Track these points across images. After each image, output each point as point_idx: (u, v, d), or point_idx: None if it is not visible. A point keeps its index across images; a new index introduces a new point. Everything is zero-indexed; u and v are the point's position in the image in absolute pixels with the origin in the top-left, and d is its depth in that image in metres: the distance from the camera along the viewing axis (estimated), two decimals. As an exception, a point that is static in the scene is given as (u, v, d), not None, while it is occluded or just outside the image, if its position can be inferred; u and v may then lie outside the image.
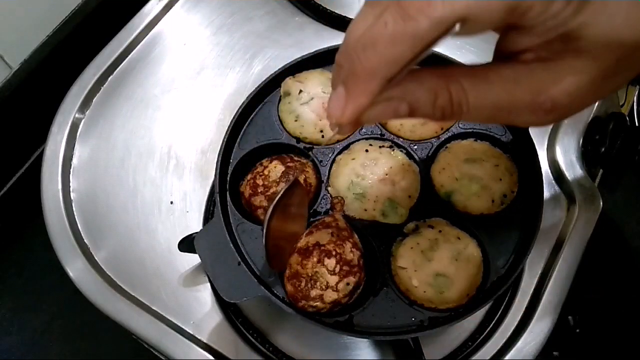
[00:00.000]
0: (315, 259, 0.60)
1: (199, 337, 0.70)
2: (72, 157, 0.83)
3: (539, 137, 0.79)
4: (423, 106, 0.35)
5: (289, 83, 0.69)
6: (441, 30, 0.30)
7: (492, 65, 0.35)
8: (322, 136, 0.67)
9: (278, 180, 0.63)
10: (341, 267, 0.59)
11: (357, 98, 0.34)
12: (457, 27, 0.30)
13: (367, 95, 0.34)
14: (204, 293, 0.73)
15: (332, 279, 0.59)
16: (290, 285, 0.60)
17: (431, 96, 0.35)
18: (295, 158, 0.66)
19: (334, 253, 0.60)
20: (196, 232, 0.67)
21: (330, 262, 0.59)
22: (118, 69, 0.88)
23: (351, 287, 0.59)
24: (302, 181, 0.64)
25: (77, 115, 0.85)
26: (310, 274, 0.59)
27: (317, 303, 0.58)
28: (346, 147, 0.67)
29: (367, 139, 0.68)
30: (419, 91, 0.35)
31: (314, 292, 0.59)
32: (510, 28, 0.33)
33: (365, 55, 0.32)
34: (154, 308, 0.72)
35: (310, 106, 0.67)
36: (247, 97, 0.68)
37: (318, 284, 0.59)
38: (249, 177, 0.66)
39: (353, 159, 0.65)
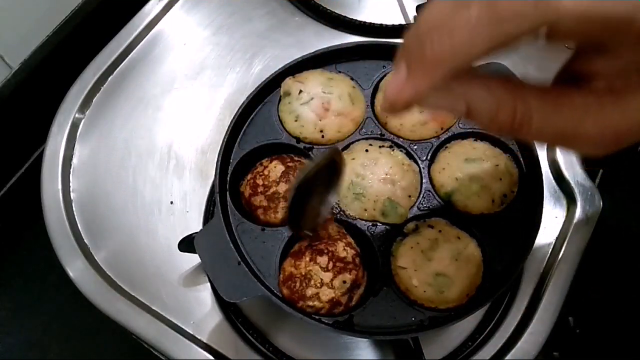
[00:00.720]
0: (307, 258, 0.60)
1: (199, 337, 0.70)
2: (72, 157, 0.83)
3: (539, 137, 0.79)
4: (483, 113, 0.34)
5: (289, 83, 0.69)
6: (525, 31, 0.29)
7: (563, 90, 0.34)
8: (322, 136, 0.67)
9: (278, 180, 0.63)
10: (334, 264, 0.59)
11: (418, 81, 0.33)
12: (543, 31, 0.29)
13: (429, 80, 0.32)
14: (204, 293, 0.73)
15: (326, 276, 0.59)
16: (285, 289, 0.60)
17: (494, 106, 0.33)
18: (295, 158, 0.66)
19: (325, 251, 0.60)
20: (196, 232, 0.67)
21: (323, 260, 0.60)
22: (118, 69, 0.88)
23: (348, 285, 0.59)
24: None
25: (77, 115, 0.85)
26: (303, 273, 0.59)
27: (315, 302, 0.58)
28: (346, 147, 0.67)
29: (367, 139, 0.68)
30: (484, 96, 0.34)
31: (309, 291, 0.58)
32: (592, 47, 0.32)
33: (438, 40, 0.31)
34: (154, 308, 0.72)
35: (310, 106, 0.67)
36: (247, 97, 0.68)
37: (312, 282, 0.59)
38: (249, 177, 0.66)
39: (353, 158, 0.65)
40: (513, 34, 0.29)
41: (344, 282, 0.59)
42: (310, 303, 0.58)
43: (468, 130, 0.68)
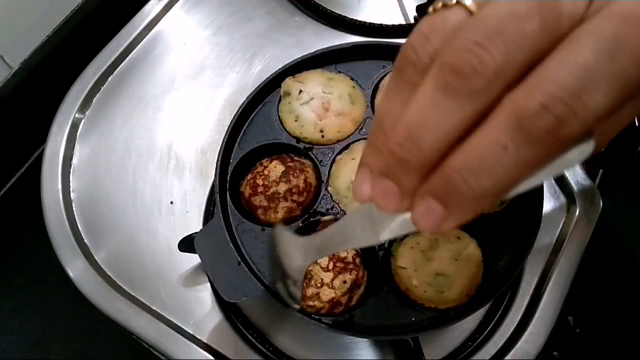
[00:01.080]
0: None
1: (199, 337, 0.70)
2: (72, 157, 0.83)
3: (539, 137, 0.79)
4: None
5: (289, 83, 0.69)
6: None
7: None
8: (322, 136, 0.67)
9: (278, 180, 0.63)
10: (334, 264, 0.59)
11: (461, 216, 0.28)
12: None
13: (475, 212, 0.28)
14: (204, 293, 0.73)
15: (327, 276, 0.59)
16: None
17: None
18: (295, 158, 0.67)
19: None
20: (196, 232, 0.67)
21: (323, 260, 0.60)
22: (118, 69, 0.88)
23: (349, 285, 0.59)
24: (302, 181, 0.64)
25: (77, 115, 0.85)
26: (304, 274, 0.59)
27: (315, 302, 0.58)
28: (346, 147, 0.67)
29: (367, 139, 0.68)
30: None
31: (310, 291, 0.58)
32: None
33: (475, 180, 0.26)
34: (154, 308, 0.72)
35: (310, 106, 0.67)
36: (247, 97, 0.68)
37: (313, 282, 0.59)
38: (249, 177, 0.66)
39: (353, 158, 0.65)
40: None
41: (345, 282, 0.59)
42: (311, 303, 0.58)
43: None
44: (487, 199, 0.27)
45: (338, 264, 0.59)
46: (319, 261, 0.60)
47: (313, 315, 0.59)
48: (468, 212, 0.28)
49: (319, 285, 0.59)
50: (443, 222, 0.28)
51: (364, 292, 0.61)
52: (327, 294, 0.58)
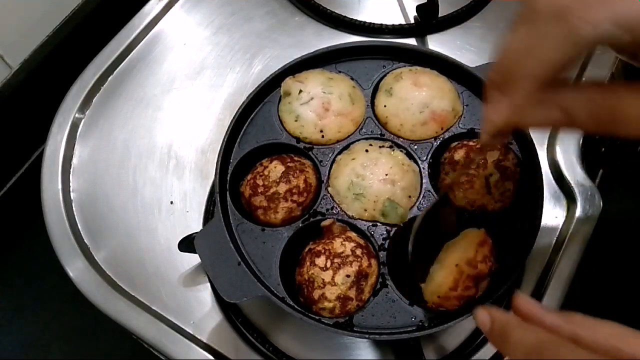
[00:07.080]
0: (308, 263, 0.60)
1: (199, 337, 0.70)
2: (72, 157, 0.83)
3: (539, 137, 0.79)
4: (578, 112, 0.37)
5: (289, 83, 0.69)
6: (601, 37, 0.33)
7: None
8: (322, 136, 0.67)
9: (278, 180, 0.63)
10: (332, 261, 0.59)
11: (513, 98, 0.37)
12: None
13: (522, 93, 0.37)
14: (204, 293, 0.73)
15: (327, 275, 0.59)
16: (301, 298, 0.60)
17: (587, 103, 0.37)
18: (295, 158, 0.66)
19: (322, 251, 0.60)
20: (196, 232, 0.67)
21: (321, 260, 0.60)
22: (118, 69, 0.88)
23: (353, 278, 0.59)
24: (302, 181, 0.64)
25: (77, 115, 0.85)
26: (307, 278, 0.59)
27: (325, 304, 0.58)
28: (346, 147, 0.68)
29: (367, 139, 0.68)
30: (575, 98, 0.37)
31: (316, 294, 0.58)
32: None
33: (522, 62, 0.36)
34: (154, 308, 0.72)
35: (310, 106, 0.67)
36: (247, 97, 0.68)
37: (315, 284, 0.59)
38: (249, 177, 0.66)
39: (353, 159, 0.65)
40: (589, 43, 0.33)
41: (347, 275, 0.59)
42: (321, 305, 0.58)
43: (468, 129, 0.68)
44: (531, 77, 0.37)
45: (335, 260, 0.59)
46: (317, 262, 0.60)
47: (312, 315, 0.59)
48: (517, 92, 0.38)
49: (321, 285, 0.58)
50: (502, 108, 0.39)
51: (375, 281, 0.61)
52: (332, 292, 0.58)
